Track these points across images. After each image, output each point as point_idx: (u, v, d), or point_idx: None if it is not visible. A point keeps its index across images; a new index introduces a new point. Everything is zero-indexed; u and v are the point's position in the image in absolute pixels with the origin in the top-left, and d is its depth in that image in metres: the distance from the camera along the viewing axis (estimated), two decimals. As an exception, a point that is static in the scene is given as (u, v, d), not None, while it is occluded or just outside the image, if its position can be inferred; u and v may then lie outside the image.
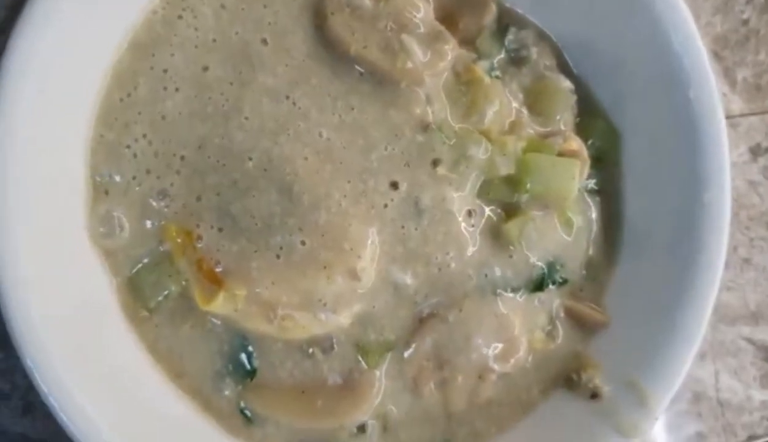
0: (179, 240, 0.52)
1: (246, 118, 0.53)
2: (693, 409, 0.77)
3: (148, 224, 0.53)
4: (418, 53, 0.54)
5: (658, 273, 0.59)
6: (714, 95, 0.57)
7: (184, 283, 0.53)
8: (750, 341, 0.78)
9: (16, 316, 0.48)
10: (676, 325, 0.57)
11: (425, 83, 0.55)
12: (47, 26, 0.48)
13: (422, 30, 0.55)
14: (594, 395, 0.58)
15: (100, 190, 0.52)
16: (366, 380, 0.54)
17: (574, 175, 0.56)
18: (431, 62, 0.55)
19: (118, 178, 0.53)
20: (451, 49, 0.55)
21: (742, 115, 0.78)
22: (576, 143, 0.58)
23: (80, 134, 0.51)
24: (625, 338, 0.60)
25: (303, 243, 0.53)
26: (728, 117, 0.77)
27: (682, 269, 0.58)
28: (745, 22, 0.77)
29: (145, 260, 0.53)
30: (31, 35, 0.47)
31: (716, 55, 0.77)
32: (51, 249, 0.50)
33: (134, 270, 0.53)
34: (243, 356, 0.54)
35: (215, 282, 0.52)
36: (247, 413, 0.54)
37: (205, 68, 0.54)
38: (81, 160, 0.51)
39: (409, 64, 0.54)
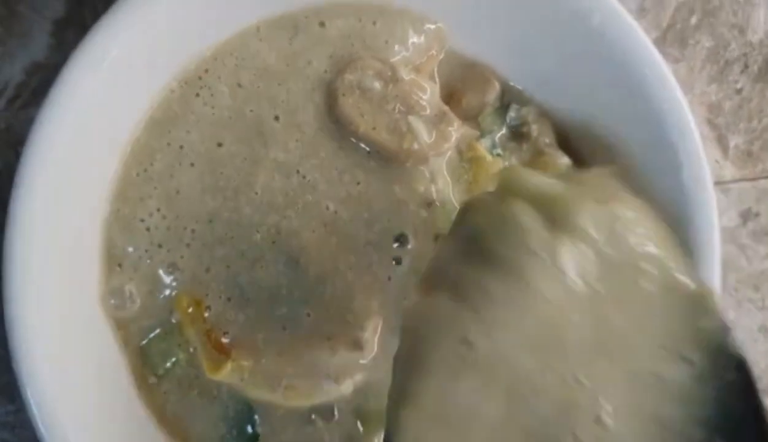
0: (189, 310, 0.54)
1: (256, 193, 0.55)
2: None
3: (159, 295, 0.54)
4: (424, 135, 0.56)
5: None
6: (706, 180, 0.59)
7: (191, 351, 0.55)
8: (735, 400, 0.80)
9: (30, 383, 0.50)
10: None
11: (429, 162, 0.57)
12: (69, 109, 0.49)
13: (428, 112, 0.57)
14: None
15: (114, 264, 0.54)
16: (364, 448, 0.56)
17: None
18: (436, 143, 0.57)
19: (131, 251, 0.54)
20: (455, 131, 0.57)
21: (733, 181, 0.80)
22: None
23: (97, 210, 0.53)
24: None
25: (308, 315, 0.55)
26: (720, 183, 0.80)
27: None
28: (739, 91, 0.80)
29: (156, 331, 0.55)
30: (55, 118, 0.49)
31: (710, 123, 0.79)
32: (66, 320, 0.51)
33: (144, 341, 0.55)
34: (247, 423, 0.56)
35: (223, 352, 0.54)
36: (249, 477, 0.56)
37: (220, 144, 0.55)
38: (97, 234, 0.53)
39: (415, 146, 0.56)
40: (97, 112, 0.51)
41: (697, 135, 0.60)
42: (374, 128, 0.56)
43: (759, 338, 0.81)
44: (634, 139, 0.62)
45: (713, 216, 0.60)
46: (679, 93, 0.59)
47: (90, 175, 0.52)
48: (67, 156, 0.50)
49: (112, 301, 0.54)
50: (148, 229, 0.55)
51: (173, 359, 0.55)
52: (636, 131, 0.61)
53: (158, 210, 0.55)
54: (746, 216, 0.81)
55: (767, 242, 0.82)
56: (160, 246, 0.54)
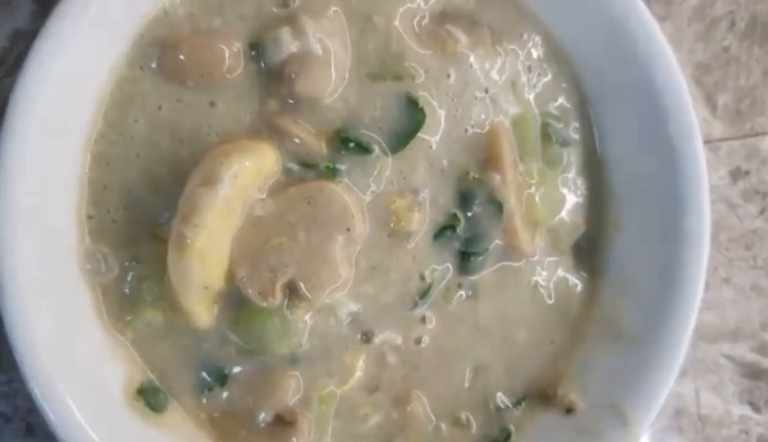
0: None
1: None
2: (674, 424, 0.79)
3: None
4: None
5: (641, 297, 0.61)
6: (694, 129, 0.59)
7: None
8: (729, 358, 0.81)
9: (19, 336, 0.50)
10: (658, 348, 0.60)
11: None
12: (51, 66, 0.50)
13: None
14: (569, 410, 0.61)
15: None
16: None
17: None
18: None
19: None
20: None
21: (722, 140, 0.80)
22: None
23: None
24: (607, 361, 0.62)
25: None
26: (709, 141, 0.79)
27: (664, 293, 0.60)
28: (726, 49, 0.80)
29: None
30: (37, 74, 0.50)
31: (698, 82, 0.79)
32: (49, 283, 0.52)
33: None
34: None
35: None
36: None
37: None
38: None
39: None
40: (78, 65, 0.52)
41: (683, 84, 0.60)
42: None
43: (752, 296, 0.81)
44: (623, 96, 0.62)
45: (701, 167, 0.60)
46: (663, 41, 0.59)
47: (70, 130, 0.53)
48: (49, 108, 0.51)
49: (88, 266, 0.55)
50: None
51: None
52: (625, 89, 0.61)
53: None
54: (736, 175, 0.81)
55: (758, 201, 0.82)
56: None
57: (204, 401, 0.57)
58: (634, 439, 0.59)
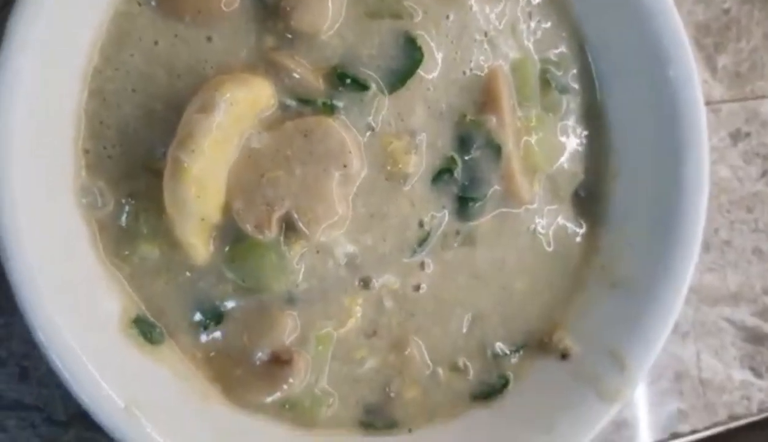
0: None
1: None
2: (675, 387, 0.79)
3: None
4: None
5: (640, 245, 0.61)
6: (693, 74, 0.59)
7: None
8: (731, 321, 0.80)
9: (16, 268, 0.50)
10: (656, 294, 0.59)
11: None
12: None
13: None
14: (564, 355, 0.61)
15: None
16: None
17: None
18: None
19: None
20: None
21: (722, 102, 0.80)
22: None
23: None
24: (605, 308, 0.62)
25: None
26: (709, 103, 0.79)
27: (663, 240, 0.60)
28: (727, 11, 0.80)
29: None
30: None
31: (698, 43, 0.79)
32: (46, 217, 0.52)
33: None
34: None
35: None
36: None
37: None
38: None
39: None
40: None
41: (682, 29, 0.60)
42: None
43: (753, 260, 0.81)
44: (622, 41, 0.61)
45: (700, 112, 0.60)
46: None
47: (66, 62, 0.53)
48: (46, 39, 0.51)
49: (84, 200, 0.55)
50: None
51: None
52: (624, 34, 0.61)
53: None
54: (737, 137, 0.81)
55: (758, 164, 0.81)
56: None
57: (200, 339, 0.57)
58: (631, 384, 0.58)
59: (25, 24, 0.51)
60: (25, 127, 0.51)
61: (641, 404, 0.77)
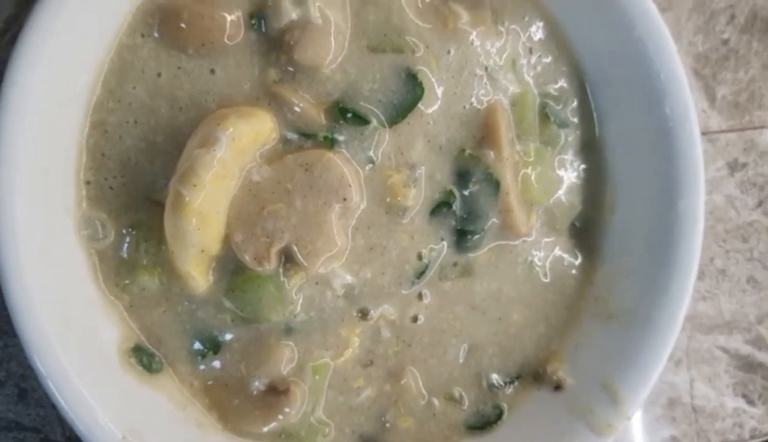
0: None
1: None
2: (668, 414, 0.79)
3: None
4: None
5: (636, 277, 0.62)
6: (690, 111, 0.60)
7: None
8: (724, 349, 0.81)
9: (16, 295, 0.51)
10: (651, 327, 0.60)
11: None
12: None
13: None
14: (557, 387, 0.62)
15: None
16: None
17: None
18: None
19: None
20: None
21: (720, 132, 0.81)
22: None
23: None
24: (600, 340, 0.62)
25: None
26: (707, 133, 0.80)
27: (659, 273, 0.60)
28: (726, 41, 0.80)
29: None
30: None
31: (697, 73, 0.80)
32: (47, 247, 0.53)
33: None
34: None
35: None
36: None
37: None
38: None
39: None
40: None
41: (680, 66, 0.61)
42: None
43: (747, 288, 0.81)
44: (620, 77, 0.62)
45: (696, 148, 0.60)
46: (660, 23, 0.60)
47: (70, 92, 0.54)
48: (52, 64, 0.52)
49: (85, 232, 0.55)
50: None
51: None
52: (623, 70, 0.62)
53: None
54: (734, 167, 0.81)
55: (755, 193, 0.82)
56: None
57: (198, 368, 0.58)
58: (624, 418, 0.59)
59: (28, 55, 0.52)
60: (28, 158, 0.52)
61: (634, 430, 0.78)
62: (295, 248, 0.54)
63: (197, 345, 0.57)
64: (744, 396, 0.81)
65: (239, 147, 0.52)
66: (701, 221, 0.61)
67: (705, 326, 0.80)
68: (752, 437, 0.82)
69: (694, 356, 0.80)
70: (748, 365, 0.81)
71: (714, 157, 0.80)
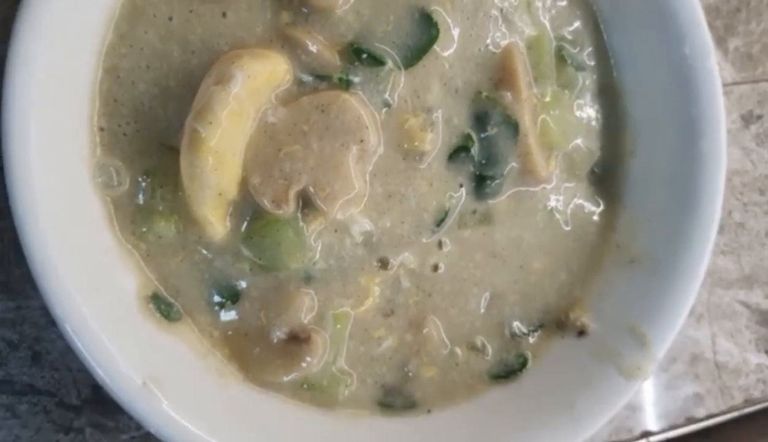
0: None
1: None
2: (691, 370, 0.78)
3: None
4: None
5: (658, 221, 0.61)
6: (709, 49, 0.59)
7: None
8: (745, 304, 0.80)
9: (34, 245, 0.50)
10: (677, 269, 0.59)
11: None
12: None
13: None
14: (581, 332, 0.61)
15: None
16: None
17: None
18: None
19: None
20: None
21: (734, 84, 0.80)
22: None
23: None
24: (624, 286, 0.61)
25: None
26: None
27: (682, 215, 0.59)
28: (737, -7, 0.80)
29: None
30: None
31: (708, 25, 0.78)
32: (63, 196, 0.52)
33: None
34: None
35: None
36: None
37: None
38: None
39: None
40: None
41: (698, 3, 0.60)
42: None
43: (766, 242, 0.80)
44: (634, 16, 0.61)
45: (717, 86, 0.59)
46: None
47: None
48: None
49: (99, 179, 0.54)
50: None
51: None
52: (636, 4, 0.61)
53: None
54: (748, 119, 0.80)
55: (771, 146, 0.81)
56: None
57: (217, 318, 0.56)
58: (653, 360, 0.58)
59: (37, 3, 0.50)
60: (40, 107, 0.51)
61: (654, 388, 0.77)
62: (312, 191, 0.53)
63: (215, 295, 0.56)
64: (767, 352, 0.80)
65: (254, 86, 0.51)
66: (724, 160, 0.60)
67: (725, 280, 0.79)
68: (776, 394, 0.80)
69: (715, 311, 0.79)
70: (769, 320, 0.80)
71: (729, 109, 0.79)
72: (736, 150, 0.80)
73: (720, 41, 0.79)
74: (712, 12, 0.79)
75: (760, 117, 0.80)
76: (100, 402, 0.62)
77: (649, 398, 0.77)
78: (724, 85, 0.79)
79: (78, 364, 0.51)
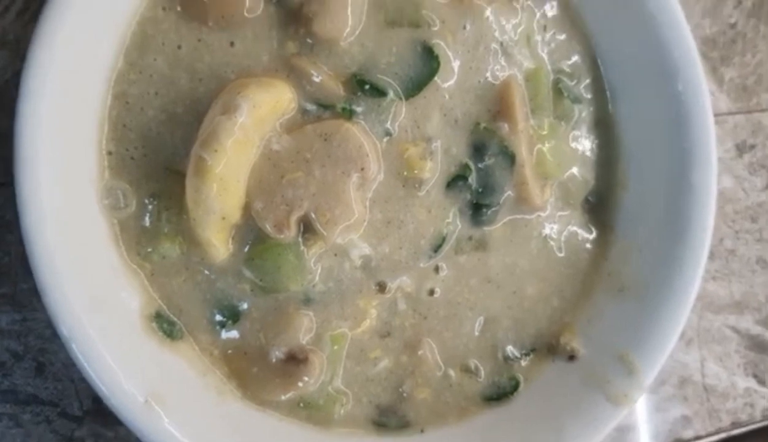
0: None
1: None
2: (679, 393, 0.80)
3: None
4: None
5: (650, 250, 0.62)
6: (702, 86, 0.60)
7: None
8: (735, 329, 0.81)
9: (41, 263, 0.51)
10: (666, 298, 0.60)
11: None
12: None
13: None
14: (571, 357, 0.62)
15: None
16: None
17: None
18: None
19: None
20: None
21: (729, 114, 0.82)
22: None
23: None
24: (614, 313, 0.63)
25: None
26: (715, 115, 0.79)
27: (673, 245, 0.61)
28: (733, 25, 0.81)
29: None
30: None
31: (704, 56, 0.81)
32: (70, 216, 0.54)
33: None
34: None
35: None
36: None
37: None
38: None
39: None
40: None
41: (691, 41, 0.61)
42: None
43: (757, 269, 0.82)
44: (633, 55, 0.63)
45: (708, 120, 0.61)
46: (679, 13, 0.60)
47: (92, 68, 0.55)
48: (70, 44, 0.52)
49: (106, 201, 0.56)
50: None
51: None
52: (636, 48, 0.62)
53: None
54: (742, 148, 0.82)
55: (763, 175, 0.83)
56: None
57: (218, 337, 0.58)
58: (640, 387, 0.59)
59: (49, 31, 0.52)
60: (50, 130, 0.53)
61: (646, 409, 0.78)
62: (313, 216, 0.54)
63: (217, 314, 0.58)
64: (755, 376, 0.82)
65: (259, 115, 0.53)
66: (714, 193, 0.61)
67: (715, 305, 0.81)
68: (764, 417, 0.82)
69: (705, 336, 0.80)
70: (758, 345, 0.82)
71: (723, 139, 0.81)
72: (729, 178, 0.82)
73: (715, 72, 0.81)
74: (708, 43, 0.81)
75: (753, 147, 0.82)
76: (101, 413, 0.64)
77: (638, 419, 0.78)
78: (719, 114, 0.81)
79: (80, 375, 0.53)
